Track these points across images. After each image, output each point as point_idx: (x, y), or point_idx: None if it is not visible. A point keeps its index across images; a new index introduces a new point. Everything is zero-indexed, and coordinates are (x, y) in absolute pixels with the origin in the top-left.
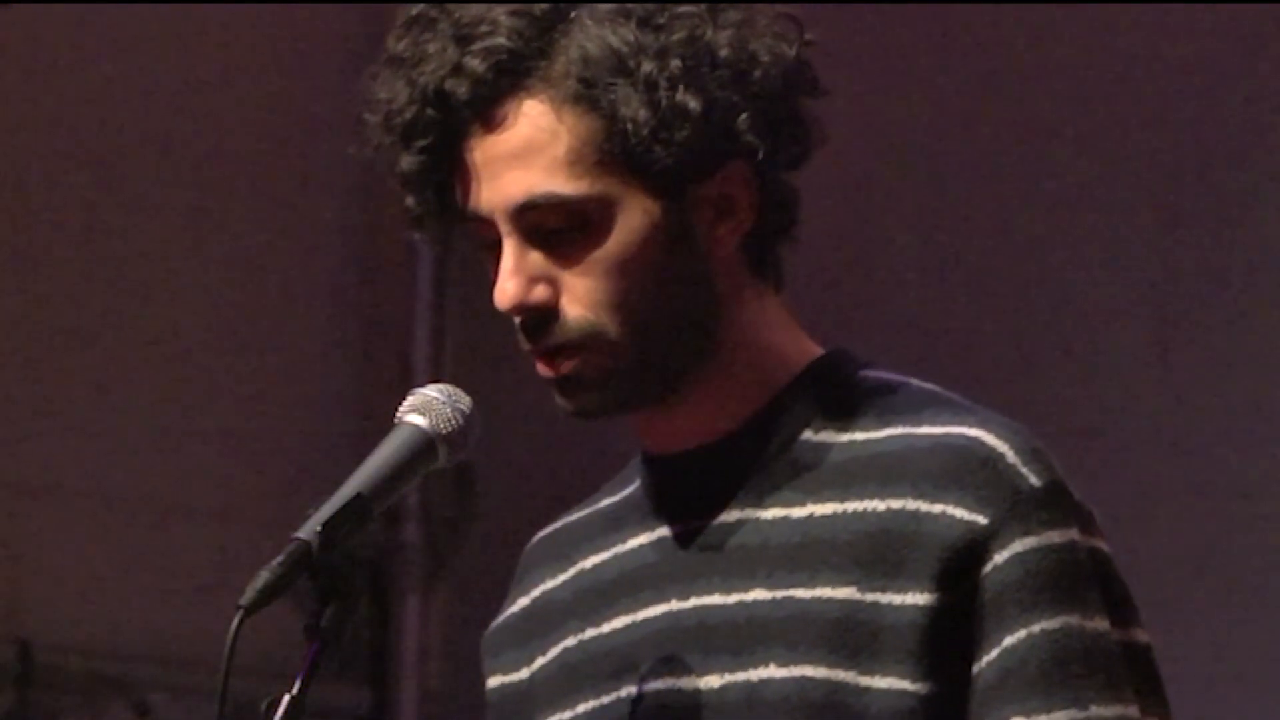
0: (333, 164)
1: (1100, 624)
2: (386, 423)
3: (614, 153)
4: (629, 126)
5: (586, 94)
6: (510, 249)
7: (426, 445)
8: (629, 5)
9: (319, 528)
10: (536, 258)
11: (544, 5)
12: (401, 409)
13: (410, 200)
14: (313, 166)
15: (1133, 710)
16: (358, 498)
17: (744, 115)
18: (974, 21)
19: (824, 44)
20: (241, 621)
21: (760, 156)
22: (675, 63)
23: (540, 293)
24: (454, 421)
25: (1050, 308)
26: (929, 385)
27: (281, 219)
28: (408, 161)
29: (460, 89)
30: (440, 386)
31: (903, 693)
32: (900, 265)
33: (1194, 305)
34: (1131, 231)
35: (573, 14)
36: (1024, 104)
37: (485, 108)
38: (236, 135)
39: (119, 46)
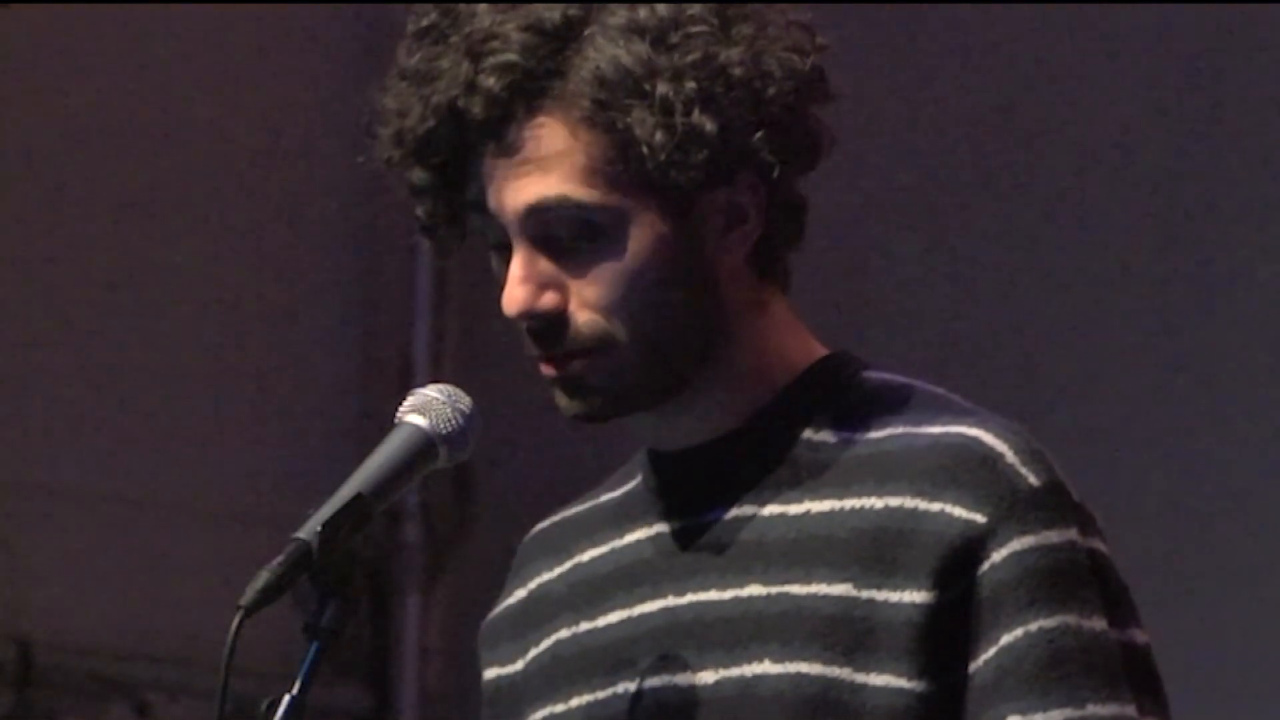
0: (333, 164)
1: (1098, 623)
2: (386, 423)
3: (628, 171)
4: (644, 150)
5: (601, 116)
6: (520, 255)
7: (426, 445)
8: (641, 20)
9: (319, 528)
10: (545, 264)
11: (555, 19)
12: (401, 409)
13: (420, 211)
14: (313, 167)
15: (1130, 710)
16: (358, 498)
17: (758, 134)
18: (976, 21)
19: (826, 43)
20: (241, 621)
21: (775, 174)
22: (690, 85)
23: (549, 299)
24: (454, 421)
25: (1050, 308)
26: (931, 387)
27: (282, 219)
28: (419, 176)
29: (474, 107)
30: (440, 386)
31: (899, 690)
32: (898, 266)
33: (1194, 306)
34: (1131, 232)
35: (585, 31)
36: (1025, 104)
37: (499, 125)
38: (237, 135)
39: (120, 47)
